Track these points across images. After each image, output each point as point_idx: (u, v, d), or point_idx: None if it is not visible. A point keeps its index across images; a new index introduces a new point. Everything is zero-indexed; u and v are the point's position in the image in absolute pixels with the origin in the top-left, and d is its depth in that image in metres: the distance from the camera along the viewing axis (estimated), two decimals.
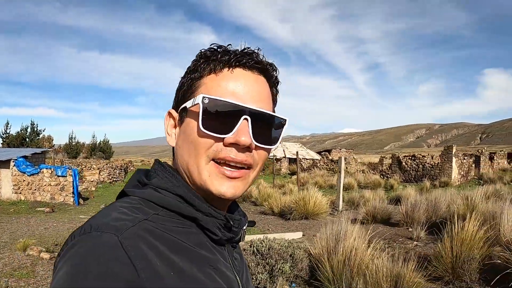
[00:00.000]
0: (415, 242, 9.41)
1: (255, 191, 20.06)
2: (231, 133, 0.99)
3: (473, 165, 36.80)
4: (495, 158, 41.06)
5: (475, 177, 35.48)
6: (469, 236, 6.67)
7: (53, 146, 57.74)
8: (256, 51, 1.10)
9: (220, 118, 0.99)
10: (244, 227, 1.15)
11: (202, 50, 1.10)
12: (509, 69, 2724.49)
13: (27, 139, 50.08)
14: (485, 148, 41.88)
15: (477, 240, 6.68)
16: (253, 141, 1.01)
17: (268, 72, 1.13)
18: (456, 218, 7.27)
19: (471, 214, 8.38)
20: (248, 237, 10.16)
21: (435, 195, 15.49)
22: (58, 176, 22.10)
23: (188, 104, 1.05)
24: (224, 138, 0.99)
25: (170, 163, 1.17)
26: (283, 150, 49.54)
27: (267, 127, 1.07)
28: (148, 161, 76.71)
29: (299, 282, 6.82)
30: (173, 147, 1.14)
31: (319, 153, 53.28)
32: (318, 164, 45.21)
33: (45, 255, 9.31)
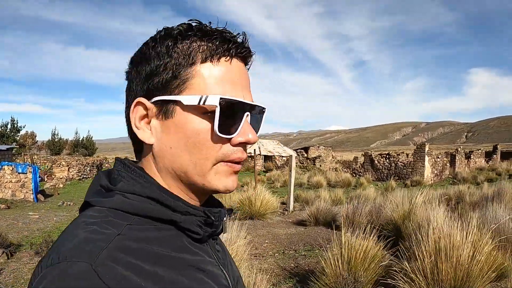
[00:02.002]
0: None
1: None
2: (237, 132, 0.94)
3: (448, 164, 36.76)
4: (472, 157, 41.14)
5: (449, 176, 35.42)
6: (361, 252, 5.55)
7: (36, 142, 58.09)
8: (245, 36, 1.01)
9: (230, 118, 0.93)
10: (225, 218, 1.05)
11: (193, 25, 0.96)
12: (494, 68, 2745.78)
13: (5, 136, 49.61)
14: (460, 147, 41.76)
15: (370, 258, 5.58)
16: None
17: (250, 60, 1.05)
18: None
19: (404, 220, 8.13)
20: None
21: (393, 196, 15.33)
22: (19, 173, 22.26)
23: (186, 100, 0.92)
24: (232, 138, 0.94)
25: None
26: (258, 148, 49.15)
27: (256, 120, 1.03)
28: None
29: None
30: (141, 143, 0.99)
31: (302, 150, 53.06)
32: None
33: None
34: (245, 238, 10.01)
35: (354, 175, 36.03)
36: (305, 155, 45.83)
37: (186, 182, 0.96)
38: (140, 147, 1.01)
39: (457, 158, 37.77)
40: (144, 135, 0.95)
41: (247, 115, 0.95)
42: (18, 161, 33.18)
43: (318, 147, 48.99)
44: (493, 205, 8.36)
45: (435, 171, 34.30)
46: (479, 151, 44.23)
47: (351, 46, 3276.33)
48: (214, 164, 0.94)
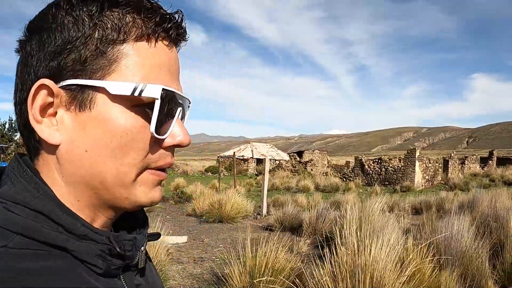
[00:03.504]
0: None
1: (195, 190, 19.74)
2: (169, 132, 0.73)
3: (441, 170, 36.55)
4: (466, 163, 40.90)
5: (442, 181, 35.18)
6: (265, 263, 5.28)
7: None
8: (182, 16, 0.78)
9: (165, 115, 0.74)
10: (143, 247, 0.81)
11: None
12: (495, 73, 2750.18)
13: (5, 136, 49.99)
14: (454, 152, 41.61)
15: (277, 268, 5.32)
16: None
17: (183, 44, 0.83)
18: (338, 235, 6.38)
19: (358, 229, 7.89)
20: None
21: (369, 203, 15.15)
22: None
23: (114, 87, 0.68)
24: (164, 139, 0.74)
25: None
26: (251, 151, 49.26)
27: (183, 116, 0.80)
28: None
29: None
30: (40, 141, 0.71)
31: (295, 154, 53.03)
32: (283, 165, 44.94)
33: None
34: (202, 241, 9.91)
35: (344, 179, 35.86)
36: (298, 159, 45.77)
37: (101, 195, 0.72)
38: (37, 145, 0.73)
39: (450, 163, 37.55)
40: (47, 132, 0.69)
41: (180, 110, 0.76)
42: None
43: (313, 151, 48.91)
44: (460, 215, 8.09)
45: (427, 177, 34.03)
46: (474, 156, 43.98)
47: (351, 51, 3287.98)
48: (140, 173, 0.73)
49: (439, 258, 5.85)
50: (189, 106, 0.81)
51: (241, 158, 43.51)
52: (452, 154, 39.54)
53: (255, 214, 14.14)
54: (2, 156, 36.96)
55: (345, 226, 5.52)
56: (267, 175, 14.79)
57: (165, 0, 0.75)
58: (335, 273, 4.38)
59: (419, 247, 5.38)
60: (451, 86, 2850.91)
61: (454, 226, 6.68)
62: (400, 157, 34.63)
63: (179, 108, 0.75)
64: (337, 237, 5.09)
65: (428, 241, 5.78)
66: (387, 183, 33.48)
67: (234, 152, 24.54)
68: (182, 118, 0.78)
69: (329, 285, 4.22)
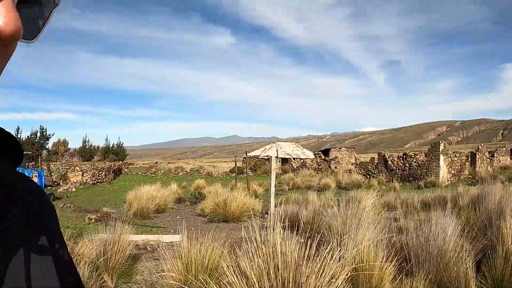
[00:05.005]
0: None
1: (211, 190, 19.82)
2: None
3: (468, 163, 35.54)
4: (495, 155, 39.36)
5: (469, 176, 34.26)
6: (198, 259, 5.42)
7: (68, 149, 60.95)
8: None
9: None
10: None
11: None
12: None
13: (33, 144, 51.66)
14: (481, 145, 40.42)
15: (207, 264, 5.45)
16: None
17: None
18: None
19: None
20: (131, 237, 9.81)
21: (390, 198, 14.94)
22: None
23: None
24: None
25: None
26: (276, 150, 49.03)
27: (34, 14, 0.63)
28: (166, 162, 76.50)
29: None
30: None
31: (320, 152, 52.63)
32: (307, 164, 44.66)
33: None
34: (197, 240, 9.94)
35: (367, 176, 35.24)
36: (323, 157, 45.42)
37: None
38: None
39: (477, 157, 36.25)
40: None
41: None
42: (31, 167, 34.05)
43: (340, 148, 48.51)
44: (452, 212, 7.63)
45: (452, 171, 33.12)
46: (503, 149, 42.44)
47: (381, 47, 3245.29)
48: None
49: (403, 260, 5.47)
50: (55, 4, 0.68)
51: (266, 158, 43.38)
52: (480, 147, 38.25)
53: (263, 213, 14.12)
54: (32, 164, 37.87)
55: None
56: (273, 174, 14.68)
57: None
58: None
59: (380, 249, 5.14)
60: (484, 77, 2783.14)
61: (437, 225, 5.93)
62: (425, 152, 33.65)
63: None
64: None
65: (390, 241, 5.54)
66: (411, 179, 32.76)
67: (246, 152, 24.54)
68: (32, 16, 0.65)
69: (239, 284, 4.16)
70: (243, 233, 5.01)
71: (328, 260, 4.20)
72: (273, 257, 4.19)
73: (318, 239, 5.58)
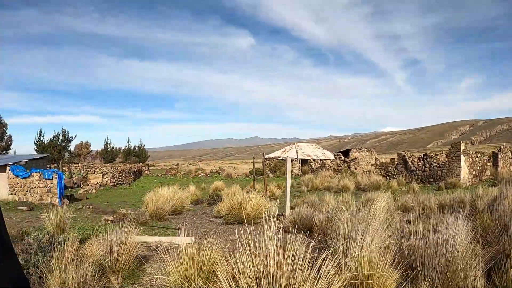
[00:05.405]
0: None
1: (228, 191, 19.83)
2: None
3: (490, 164, 34.85)
4: None
5: (491, 177, 33.64)
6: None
7: (90, 151, 62.07)
8: None
9: None
10: None
11: None
12: None
13: (55, 146, 52.59)
14: (504, 144, 39.58)
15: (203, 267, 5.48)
16: None
17: None
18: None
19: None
20: (143, 238, 9.84)
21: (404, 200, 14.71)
22: (46, 179, 23.36)
23: None
24: None
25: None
26: (296, 151, 48.78)
27: None
28: (188, 164, 76.84)
29: None
30: None
31: (340, 153, 52.27)
32: (327, 165, 44.40)
33: None
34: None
35: (387, 177, 34.84)
36: (343, 158, 45.11)
37: None
38: None
39: (499, 157, 35.49)
40: None
41: None
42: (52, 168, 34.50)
43: (360, 149, 48.10)
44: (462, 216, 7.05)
45: (474, 172, 32.57)
46: None
47: (402, 46, 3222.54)
48: None
49: (409, 267, 5.25)
50: None
51: (286, 158, 43.42)
52: (502, 146, 37.50)
53: (279, 215, 14.04)
54: (54, 166, 38.39)
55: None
56: (289, 176, 14.66)
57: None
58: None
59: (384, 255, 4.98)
60: (508, 75, 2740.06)
61: (447, 230, 5.53)
62: (446, 152, 33.14)
63: None
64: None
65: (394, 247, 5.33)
66: (431, 180, 32.31)
67: (263, 153, 24.35)
68: None
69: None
70: (236, 236, 4.96)
71: (325, 268, 4.11)
72: (266, 264, 4.13)
73: (325, 243, 5.51)
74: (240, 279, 4.09)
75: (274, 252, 4.21)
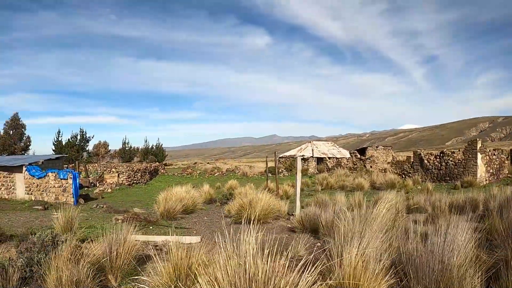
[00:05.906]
0: None
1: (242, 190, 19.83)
2: None
3: (508, 162, 34.24)
4: None
5: (509, 175, 33.09)
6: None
7: (108, 151, 62.86)
8: None
9: None
10: None
11: None
12: None
13: (73, 146, 53.23)
14: None
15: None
16: None
17: None
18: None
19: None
20: (150, 237, 9.88)
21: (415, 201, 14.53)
22: (61, 179, 23.64)
23: None
24: None
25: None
26: (312, 150, 48.71)
27: None
28: (205, 163, 77.03)
29: None
30: None
31: (356, 151, 51.97)
32: (342, 164, 44.17)
33: None
34: (215, 242, 9.90)
35: (403, 176, 34.46)
36: (358, 156, 44.84)
37: None
38: None
39: None
40: None
41: None
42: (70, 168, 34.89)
43: (377, 147, 47.76)
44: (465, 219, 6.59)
45: (491, 170, 32.05)
46: None
47: (419, 42, 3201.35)
48: None
49: (403, 275, 5.02)
50: None
51: (301, 157, 43.29)
52: None
53: (289, 215, 13.99)
54: (71, 165, 38.79)
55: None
56: (299, 175, 14.58)
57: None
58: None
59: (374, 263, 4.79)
60: None
61: (447, 234, 5.17)
62: (463, 150, 32.62)
63: None
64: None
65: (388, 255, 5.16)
66: (447, 178, 31.88)
67: (275, 152, 24.35)
68: None
69: None
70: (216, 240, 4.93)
71: (306, 273, 4.05)
72: (245, 269, 4.09)
73: (321, 246, 5.44)
74: (215, 285, 4.07)
75: (252, 256, 4.17)
